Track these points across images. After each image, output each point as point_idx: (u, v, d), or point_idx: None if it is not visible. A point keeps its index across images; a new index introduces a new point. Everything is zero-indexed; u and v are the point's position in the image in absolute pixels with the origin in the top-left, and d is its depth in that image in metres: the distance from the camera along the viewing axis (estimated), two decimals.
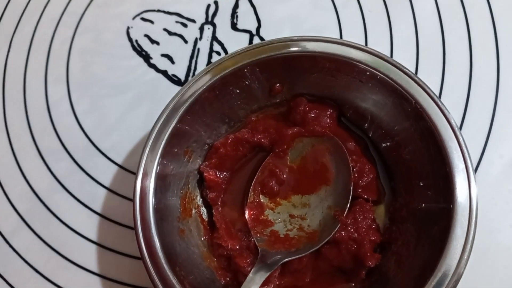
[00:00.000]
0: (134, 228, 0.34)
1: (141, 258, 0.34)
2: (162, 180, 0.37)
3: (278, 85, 0.40)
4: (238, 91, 0.40)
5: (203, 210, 0.41)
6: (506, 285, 0.37)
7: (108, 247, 0.42)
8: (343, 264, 0.37)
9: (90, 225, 0.43)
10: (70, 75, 0.49)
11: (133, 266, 0.41)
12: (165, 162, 0.37)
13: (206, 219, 0.40)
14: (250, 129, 0.41)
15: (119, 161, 0.45)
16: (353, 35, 0.46)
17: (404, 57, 0.44)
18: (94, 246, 0.42)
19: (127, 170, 0.44)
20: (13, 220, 0.44)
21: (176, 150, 0.38)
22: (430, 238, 0.34)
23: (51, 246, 0.43)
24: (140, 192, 0.35)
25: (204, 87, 0.37)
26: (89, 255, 0.42)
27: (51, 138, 0.46)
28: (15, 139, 0.47)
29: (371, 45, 0.44)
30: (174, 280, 0.33)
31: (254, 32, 0.48)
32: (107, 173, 0.44)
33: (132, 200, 0.35)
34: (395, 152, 0.39)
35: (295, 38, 0.38)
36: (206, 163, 0.41)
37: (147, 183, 0.36)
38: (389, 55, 0.44)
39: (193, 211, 0.40)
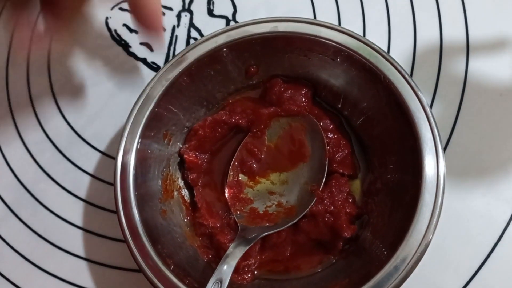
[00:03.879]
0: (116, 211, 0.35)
1: (124, 239, 0.35)
2: (142, 163, 0.38)
3: (253, 67, 0.41)
4: (214, 73, 0.40)
5: (185, 191, 0.42)
6: (479, 251, 0.39)
7: (93, 232, 0.43)
8: (321, 236, 0.38)
9: (75, 211, 0.44)
10: (51, 66, 0.49)
11: (118, 249, 0.42)
12: (144, 145, 0.38)
13: (188, 200, 0.41)
14: (228, 111, 0.42)
15: (102, 148, 0.45)
16: (327, 17, 0.47)
17: (376, 36, 0.45)
18: (80, 232, 0.43)
19: (110, 156, 0.45)
20: (0, 210, 0.45)
21: (155, 133, 0.39)
22: (402, 207, 0.35)
23: (38, 233, 0.43)
24: (120, 175, 0.36)
25: (180, 70, 0.38)
26: (75, 240, 0.43)
27: (35, 128, 0.47)
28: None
29: (344, 26, 0.45)
30: (157, 259, 0.34)
31: (230, 17, 0.48)
32: (90, 160, 0.45)
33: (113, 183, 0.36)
34: (368, 127, 0.40)
35: (268, 19, 0.39)
36: (186, 145, 0.41)
37: (127, 166, 0.36)
38: (362, 34, 0.45)
39: (175, 192, 0.41)
